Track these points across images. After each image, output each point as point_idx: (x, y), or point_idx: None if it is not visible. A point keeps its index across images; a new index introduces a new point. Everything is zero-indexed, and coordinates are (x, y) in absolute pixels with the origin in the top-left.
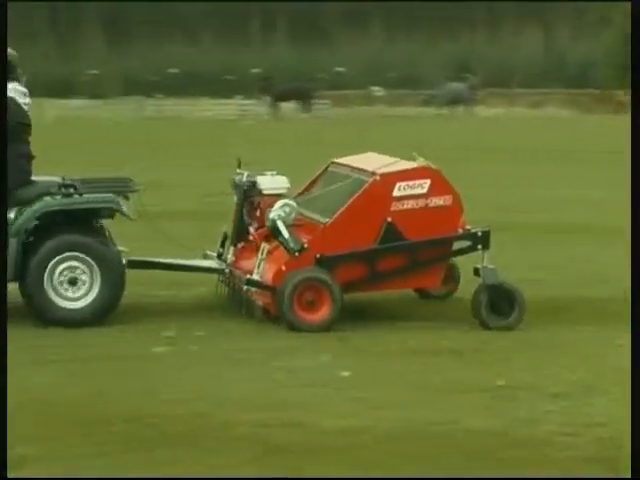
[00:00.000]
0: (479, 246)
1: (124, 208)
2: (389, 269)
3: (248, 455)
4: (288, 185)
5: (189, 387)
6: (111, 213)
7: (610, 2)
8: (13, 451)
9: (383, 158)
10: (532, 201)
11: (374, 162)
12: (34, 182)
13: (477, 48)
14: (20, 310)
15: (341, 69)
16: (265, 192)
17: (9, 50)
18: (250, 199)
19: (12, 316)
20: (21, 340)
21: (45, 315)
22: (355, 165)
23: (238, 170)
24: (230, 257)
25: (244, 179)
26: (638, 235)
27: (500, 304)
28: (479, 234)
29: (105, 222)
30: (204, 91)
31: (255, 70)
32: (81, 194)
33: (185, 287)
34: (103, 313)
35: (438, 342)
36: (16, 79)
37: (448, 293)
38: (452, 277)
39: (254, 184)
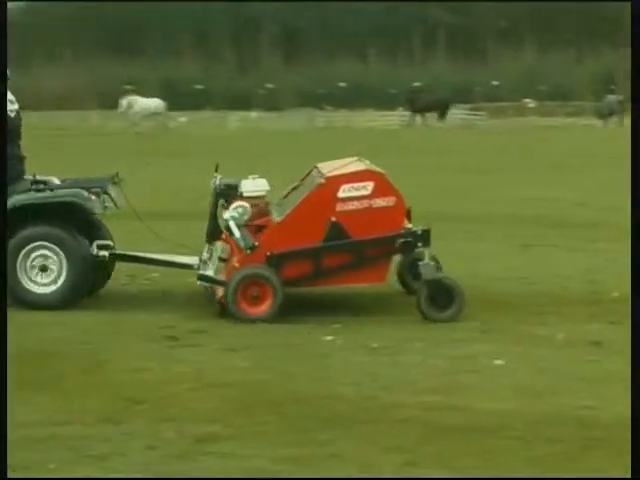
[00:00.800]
0: (419, 243)
1: (91, 204)
2: (334, 266)
3: (413, 435)
4: (268, 188)
5: (356, 372)
6: (81, 208)
7: None
8: (200, 429)
9: (352, 162)
10: None
11: (337, 166)
12: (22, 180)
13: (620, 62)
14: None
15: (496, 83)
16: (246, 194)
17: None
18: (232, 201)
19: (208, 309)
20: (216, 329)
21: (17, 297)
22: (322, 169)
23: (215, 174)
24: (205, 254)
25: (217, 182)
26: (638, 235)
27: (440, 298)
28: (419, 232)
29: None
30: (369, 103)
31: (416, 84)
32: (52, 190)
33: None
34: (71, 297)
35: (584, 335)
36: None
37: None
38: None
39: (230, 187)
